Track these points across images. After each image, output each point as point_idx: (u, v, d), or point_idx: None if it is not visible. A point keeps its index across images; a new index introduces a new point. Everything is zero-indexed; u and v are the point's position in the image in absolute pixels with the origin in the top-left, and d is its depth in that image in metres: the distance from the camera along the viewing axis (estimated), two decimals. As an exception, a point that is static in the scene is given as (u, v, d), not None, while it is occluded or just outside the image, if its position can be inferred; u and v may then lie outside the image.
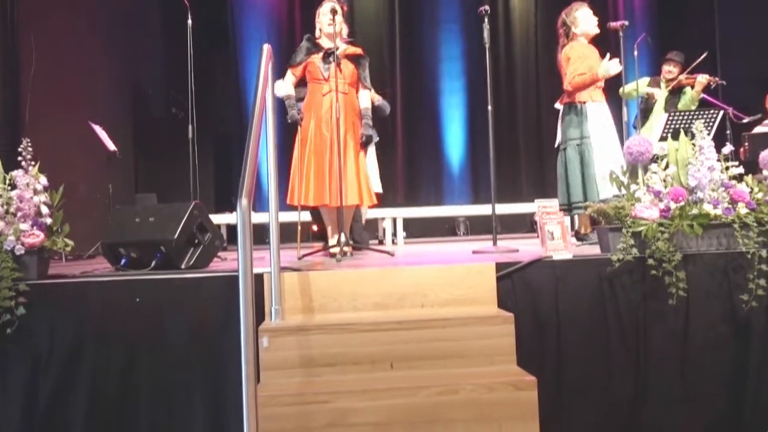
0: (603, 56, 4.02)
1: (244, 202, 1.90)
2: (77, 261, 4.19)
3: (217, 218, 6.04)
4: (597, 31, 4.15)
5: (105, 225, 3.34)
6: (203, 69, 6.49)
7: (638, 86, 4.79)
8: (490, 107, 3.77)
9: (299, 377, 2.36)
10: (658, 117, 4.98)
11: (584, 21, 4.13)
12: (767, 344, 2.72)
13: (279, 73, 4.69)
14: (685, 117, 4.36)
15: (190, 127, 4.27)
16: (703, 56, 4.16)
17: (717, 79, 5.09)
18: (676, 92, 5.17)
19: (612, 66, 3.92)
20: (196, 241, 2.99)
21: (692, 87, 5.10)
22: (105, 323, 2.58)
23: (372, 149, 4.68)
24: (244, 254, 1.89)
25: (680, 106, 5.10)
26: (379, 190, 4.67)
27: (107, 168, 5.05)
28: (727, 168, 2.86)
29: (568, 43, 4.18)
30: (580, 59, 4.05)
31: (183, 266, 2.92)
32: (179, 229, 2.90)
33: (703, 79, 5.01)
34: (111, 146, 4.98)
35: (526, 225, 7.36)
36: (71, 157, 5.09)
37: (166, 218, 3.01)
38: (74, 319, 2.57)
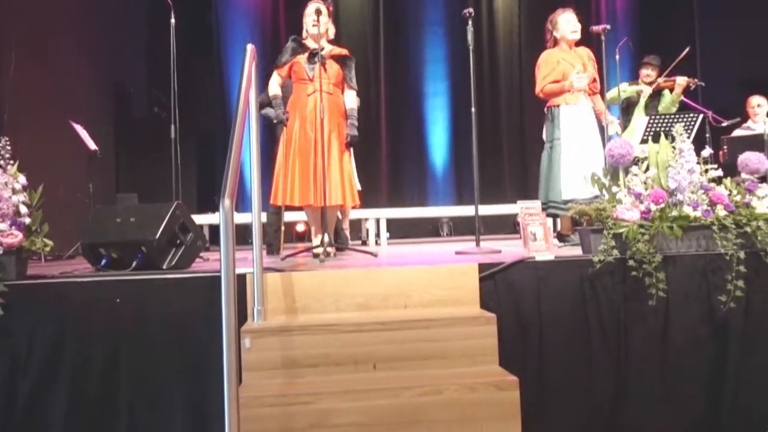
0: (595, 59, 4.10)
1: (226, 202, 1.89)
2: (57, 261, 4.14)
3: (199, 218, 6.00)
4: (573, 37, 4.17)
5: (85, 225, 3.30)
6: (186, 68, 6.45)
7: (619, 91, 4.85)
8: (473, 109, 3.79)
9: (281, 378, 2.35)
10: (639, 120, 5.03)
11: (563, 26, 4.18)
12: (745, 345, 2.76)
13: (263, 73, 4.69)
14: (666, 120, 4.41)
15: (172, 126, 4.24)
16: (684, 53, 4.19)
17: (696, 80, 5.15)
18: (655, 95, 5.22)
19: (576, 79, 3.99)
20: (178, 241, 2.96)
21: (671, 89, 5.16)
22: (85, 324, 2.55)
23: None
24: (227, 255, 1.87)
25: (660, 108, 5.16)
26: (359, 187, 4.70)
27: (88, 167, 5.00)
28: (706, 171, 2.90)
29: (547, 49, 4.25)
30: (550, 65, 4.14)
31: (164, 267, 2.90)
32: (161, 230, 2.88)
33: (682, 81, 5.07)
34: (92, 145, 4.93)
35: (509, 226, 7.41)
36: (51, 156, 5.03)
37: (147, 218, 2.99)
38: (53, 320, 2.54)
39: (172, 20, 4.28)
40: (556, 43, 4.24)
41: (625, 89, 4.93)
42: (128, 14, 7.20)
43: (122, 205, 4.04)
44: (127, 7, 7.18)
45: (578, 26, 4.17)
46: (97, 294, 2.59)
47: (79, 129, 4.91)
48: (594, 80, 4.22)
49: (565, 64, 4.12)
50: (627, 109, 5.23)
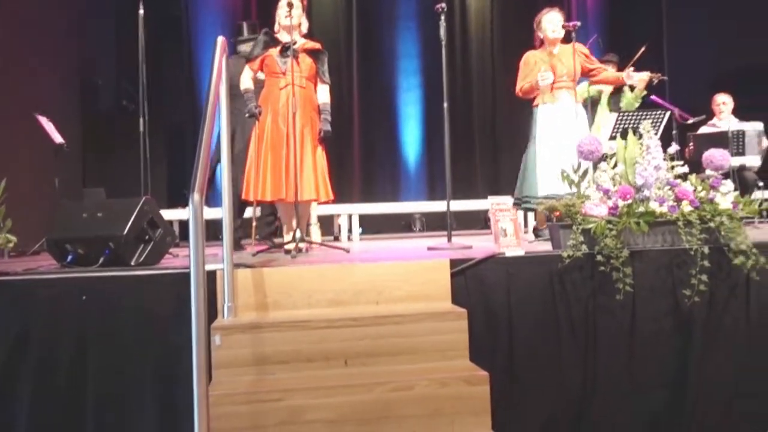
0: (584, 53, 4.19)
1: (196, 197, 1.86)
2: (21, 257, 4.04)
3: (169, 213, 5.91)
4: (554, 36, 4.22)
5: (50, 220, 3.23)
6: (156, 61, 6.34)
7: (587, 90, 4.91)
8: (445, 104, 3.79)
9: (252, 375, 2.34)
10: (602, 117, 5.11)
11: (545, 26, 4.25)
12: (709, 338, 2.83)
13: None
14: (634, 117, 4.48)
15: (141, 120, 4.17)
16: (640, 51, 4.27)
17: (659, 74, 5.22)
18: (616, 92, 5.29)
19: (540, 78, 4.06)
20: (147, 237, 2.92)
21: (632, 86, 5.23)
22: (50, 322, 2.50)
23: None
24: (196, 250, 1.85)
25: (623, 105, 5.23)
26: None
27: (54, 161, 4.88)
28: (672, 167, 2.96)
29: (534, 48, 4.35)
30: (528, 67, 4.24)
31: (133, 263, 2.85)
32: (129, 225, 2.84)
33: (644, 76, 5.14)
34: (58, 139, 4.82)
35: (481, 221, 7.46)
36: (15, 150, 4.91)
37: (115, 213, 2.94)
38: (17, 318, 2.48)
39: (141, 11, 4.20)
40: (542, 43, 4.32)
41: (584, 90, 4.98)
42: (96, 4, 7.04)
43: (89, 200, 3.97)
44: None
45: (559, 26, 4.21)
46: (63, 291, 2.53)
47: (45, 122, 4.79)
48: (588, 72, 4.30)
49: (543, 65, 4.19)
50: (591, 106, 5.30)
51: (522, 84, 4.25)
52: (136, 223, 2.88)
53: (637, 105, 5.21)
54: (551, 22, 4.21)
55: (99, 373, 2.50)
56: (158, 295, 2.57)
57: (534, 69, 4.19)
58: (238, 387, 2.25)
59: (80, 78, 6.78)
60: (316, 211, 4.57)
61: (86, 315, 2.51)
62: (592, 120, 5.22)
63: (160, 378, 2.53)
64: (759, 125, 5.55)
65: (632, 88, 5.21)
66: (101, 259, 2.81)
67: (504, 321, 2.73)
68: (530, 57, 4.29)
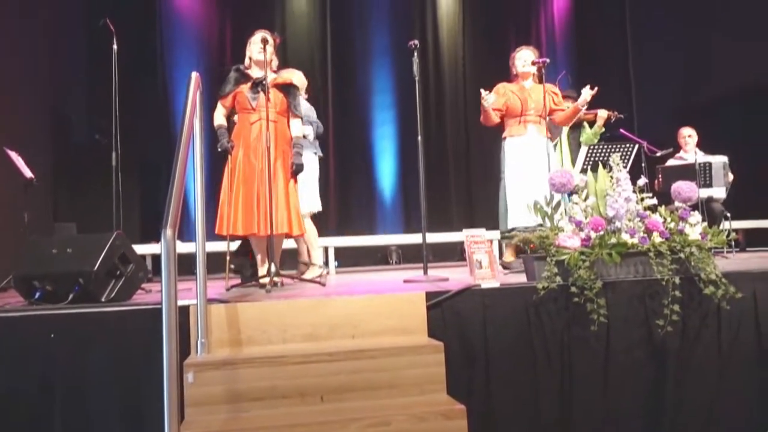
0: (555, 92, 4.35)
1: (168, 232, 1.84)
2: (-13, 294, 3.94)
3: (142, 248, 5.84)
4: (524, 70, 4.36)
5: (18, 256, 3.15)
6: (130, 95, 6.29)
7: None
8: (419, 138, 3.85)
9: (225, 413, 2.28)
10: (564, 151, 5.23)
11: (516, 62, 4.44)
12: (682, 367, 2.85)
13: (208, 101, 4.63)
14: (604, 150, 4.59)
15: (113, 154, 4.13)
16: (594, 91, 4.45)
17: (616, 112, 5.39)
18: (575, 127, 5.43)
19: (484, 99, 4.18)
20: (118, 272, 2.87)
21: (592, 122, 5.37)
22: (16, 361, 2.42)
23: (316, 167, 4.68)
24: (168, 286, 1.82)
25: (582, 140, 5.36)
26: (319, 208, 4.72)
27: (23, 196, 4.79)
28: (642, 199, 3.02)
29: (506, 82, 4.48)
30: (497, 95, 4.35)
31: (103, 299, 2.80)
32: (99, 260, 2.79)
33: (603, 113, 5.32)
34: (27, 173, 4.74)
35: (457, 253, 7.49)
36: (-17, 184, 4.82)
37: (85, 249, 2.89)
38: (-19, 357, 2.40)
39: (114, 46, 4.21)
40: (515, 77, 4.46)
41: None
42: (70, 39, 7.03)
43: (59, 236, 3.90)
44: (69, 32, 7.02)
45: (530, 60, 4.35)
46: (30, 329, 2.47)
47: (14, 156, 4.72)
48: (553, 111, 4.39)
49: (512, 96, 4.32)
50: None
51: (483, 116, 4.34)
52: (107, 258, 2.83)
53: (596, 141, 5.34)
54: (521, 58, 4.42)
55: (66, 413, 2.42)
56: (129, 332, 2.51)
57: (500, 98, 4.33)
58: (212, 425, 2.19)
59: (52, 111, 6.72)
60: (318, 251, 4.59)
61: (54, 353, 2.44)
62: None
63: (130, 418, 2.46)
64: (723, 158, 5.72)
65: (591, 124, 5.36)
66: (70, 296, 2.75)
67: (480, 353, 2.72)
68: (500, 87, 4.43)
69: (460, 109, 8.72)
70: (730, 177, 5.80)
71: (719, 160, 5.56)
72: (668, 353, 2.84)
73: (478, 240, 3.01)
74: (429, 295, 2.71)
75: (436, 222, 7.56)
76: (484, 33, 8.82)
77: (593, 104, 5.19)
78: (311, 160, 4.66)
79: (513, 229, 4.00)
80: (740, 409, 2.90)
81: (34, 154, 5.38)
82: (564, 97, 5.52)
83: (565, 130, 5.39)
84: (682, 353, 2.85)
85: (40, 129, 6.41)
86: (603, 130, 5.38)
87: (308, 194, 4.59)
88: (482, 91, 4.20)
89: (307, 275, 4.38)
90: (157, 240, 6.58)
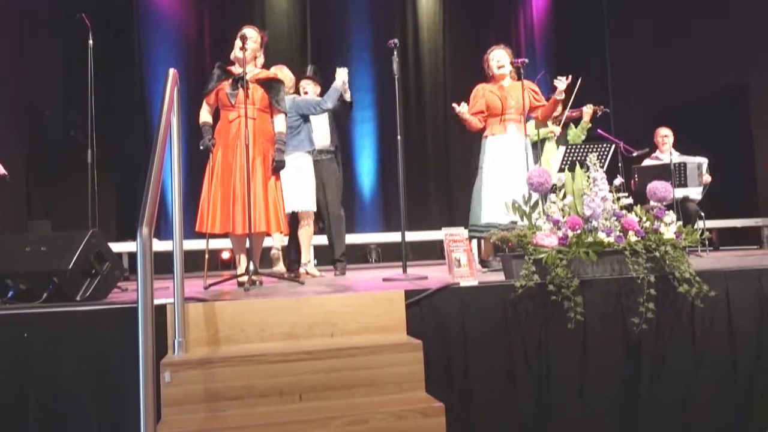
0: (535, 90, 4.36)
1: (144, 230, 1.83)
2: (-42, 294, 3.85)
3: (119, 246, 5.77)
4: (500, 72, 4.36)
5: (-10, 254, 3.09)
6: (107, 91, 6.22)
7: (538, 133, 5.05)
8: (399, 137, 3.85)
9: (203, 413, 2.27)
10: (551, 152, 5.27)
11: (491, 63, 4.43)
12: (657, 364, 2.90)
13: (186, 98, 4.58)
14: (581, 150, 4.63)
15: (89, 151, 4.08)
16: (578, 84, 4.49)
17: (602, 107, 5.44)
18: (563, 127, 5.48)
19: (458, 111, 4.28)
20: (93, 271, 2.83)
21: (577, 120, 5.42)
22: (-12, 361, 2.38)
23: (310, 166, 4.65)
24: (144, 285, 1.80)
25: (570, 137, 5.41)
26: (314, 208, 4.74)
27: (-5, 193, 4.72)
28: (618, 198, 3.06)
29: (484, 82, 4.49)
30: (475, 99, 4.40)
31: (78, 298, 2.76)
32: (74, 259, 2.74)
33: (588, 109, 5.36)
34: (0, 170, 4.66)
35: (437, 251, 7.52)
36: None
37: (60, 247, 2.84)
38: (-48, 357, 2.36)
39: (90, 41, 4.15)
40: (492, 78, 4.45)
41: (534, 134, 5.11)
42: (45, 33, 6.91)
43: (33, 234, 3.83)
44: (45, 27, 6.90)
45: (505, 61, 4.36)
46: (3, 328, 2.42)
47: (-13, 153, 4.63)
48: (534, 108, 4.42)
49: (491, 96, 4.34)
50: (540, 144, 5.46)
51: (467, 121, 4.36)
52: (82, 256, 2.79)
53: (583, 137, 5.39)
54: (494, 59, 4.40)
55: (41, 414, 2.38)
56: (105, 331, 2.48)
57: (480, 100, 4.34)
58: (189, 425, 2.17)
59: (27, 107, 6.60)
60: (310, 249, 4.61)
61: (28, 353, 2.40)
62: (539, 156, 5.37)
63: (106, 418, 2.42)
64: (704, 160, 5.83)
65: (577, 123, 5.41)
66: (44, 295, 2.70)
67: (459, 351, 2.73)
68: (479, 89, 4.43)
69: (440, 108, 8.74)
70: (708, 178, 5.91)
71: (699, 162, 5.67)
72: (643, 350, 2.88)
73: (457, 239, 3.02)
74: (408, 294, 2.72)
75: (416, 220, 7.59)
76: (465, 32, 8.86)
77: (578, 103, 5.25)
78: (304, 159, 4.64)
79: (488, 225, 4.02)
80: (713, 406, 2.95)
81: (8, 150, 5.30)
82: (549, 98, 5.58)
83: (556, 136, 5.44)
84: (657, 350, 2.90)
85: (14, 124, 6.29)
86: (590, 125, 5.42)
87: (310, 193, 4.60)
88: (454, 105, 4.27)
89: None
90: (134, 238, 6.50)
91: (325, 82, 8.52)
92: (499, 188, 4.10)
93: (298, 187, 4.56)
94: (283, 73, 4.64)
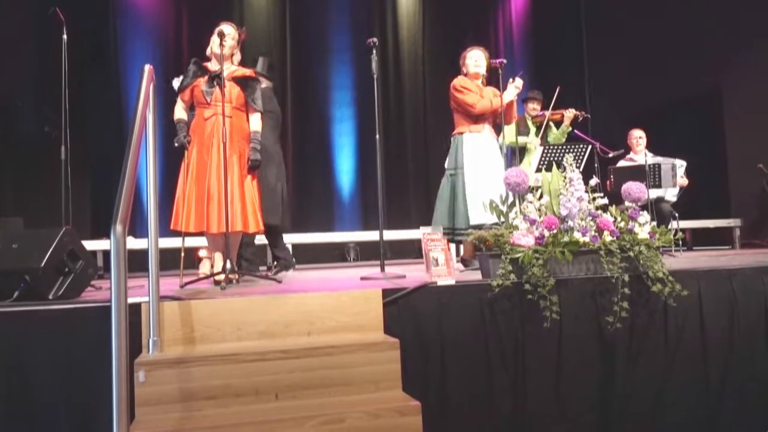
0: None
1: (118, 228, 1.80)
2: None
3: (93, 244, 5.69)
4: (475, 71, 4.38)
5: (-40, 252, 3.02)
6: (82, 86, 6.14)
7: (515, 138, 5.06)
8: (378, 136, 3.85)
9: (178, 412, 2.25)
10: (533, 152, 5.31)
11: (468, 62, 4.44)
12: (630, 362, 2.94)
13: (163, 95, 4.54)
14: (558, 150, 4.68)
15: (63, 147, 4.01)
16: (557, 92, 4.58)
17: (583, 112, 5.51)
18: (543, 128, 5.53)
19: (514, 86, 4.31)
20: (66, 269, 2.79)
21: (559, 122, 5.48)
22: (-44, 361, 2.33)
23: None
24: (118, 283, 1.78)
25: (551, 139, 5.46)
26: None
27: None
28: (594, 199, 3.09)
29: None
30: (467, 86, 4.36)
31: (51, 297, 2.71)
32: (47, 257, 2.70)
33: (570, 113, 5.42)
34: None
35: (416, 251, 7.54)
36: None
37: (32, 245, 2.79)
38: None
39: (65, 36, 4.09)
40: (466, 76, 4.47)
41: (512, 140, 5.13)
42: (17, 26, 6.77)
43: (4, 231, 3.75)
44: (18, 20, 6.76)
45: (482, 62, 4.37)
46: (-29, 328, 2.37)
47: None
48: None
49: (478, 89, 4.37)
50: (519, 152, 5.50)
51: (481, 102, 4.27)
52: (55, 254, 2.75)
53: (563, 139, 5.45)
54: (471, 58, 4.42)
55: (9, 415, 2.34)
56: (78, 331, 2.44)
57: (471, 86, 4.33)
58: (162, 425, 2.15)
59: (-2, 101, 6.47)
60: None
61: (-3, 353, 2.36)
62: (522, 156, 5.41)
63: (77, 419, 2.39)
64: (683, 162, 5.93)
65: (558, 125, 5.46)
66: (16, 293, 2.65)
67: (436, 350, 2.74)
68: (466, 80, 4.38)
69: (420, 107, 8.76)
70: (685, 181, 6.01)
71: (674, 163, 5.76)
72: (617, 348, 2.92)
73: (435, 238, 3.03)
74: (386, 293, 2.72)
75: (395, 219, 7.60)
76: (444, 32, 8.88)
77: (546, 105, 5.30)
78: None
79: (480, 226, 4.00)
80: (686, 402, 3.00)
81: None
82: (529, 99, 5.63)
83: (532, 131, 5.47)
84: (631, 348, 2.94)
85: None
86: (570, 128, 5.48)
87: None
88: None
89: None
90: (108, 236, 6.41)
91: (302, 80, 8.46)
92: (482, 188, 4.08)
93: None
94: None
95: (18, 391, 2.36)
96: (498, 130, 4.47)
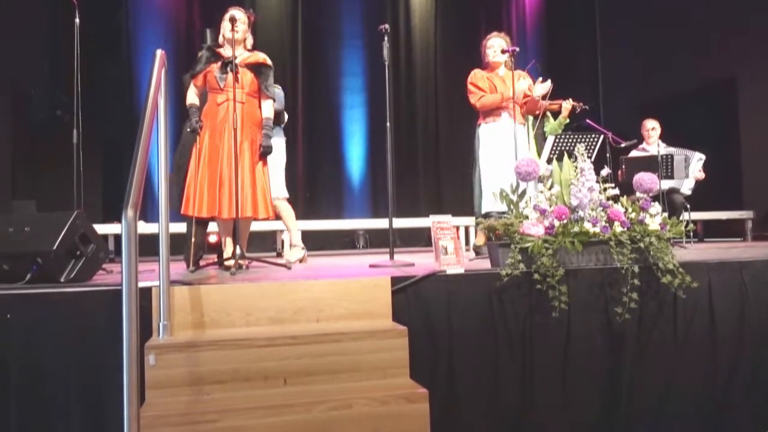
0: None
1: (129, 213, 1.81)
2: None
3: (105, 228, 5.73)
4: (495, 59, 4.38)
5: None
6: (94, 71, 6.12)
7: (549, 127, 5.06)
8: (388, 124, 3.84)
9: (187, 396, 2.27)
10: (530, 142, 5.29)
11: (488, 51, 4.45)
12: (638, 354, 2.93)
13: (174, 80, 4.54)
14: (570, 139, 4.65)
15: (75, 131, 4.03)
16: (549, 86, 4.60)
17: (581, 103, 5.44)
18: (540, 117, 5.48)
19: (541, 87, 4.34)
20: (78, 252, 2.81)
21: (555, 112, 5.43)
22: (-30, 342, 2.36)
23: (283, 153, 4.63)
24: (129, 267, 1.79)
25: (547, 130, 5.41)
26: (286, 194, 4.66)
27: (-21, 172, 4.66)
28: (605, 189, 3.07)
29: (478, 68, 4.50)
30: (483, 82, 4.39)
31: (62, 279, 2.74)
32: (59, 240, 2.72)
33: (567, 104, 5.35)
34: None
35: (425, 238, 7.54)
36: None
37: (44, 228, 2.82)
38: (-67, 337, 2.34)
39: (77, 20, 4.09)
40: (487, 65, 4.48)
41: (553, 128, 5.15)
42: (30, 10, 6.79)
43: (17, 214, 3.79)
44: (29, 5, 6.77)
45: (500, 49, 4.36)
46: (-16, 309, 2.40)
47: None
48: (526, 97, 4.44)
49: (488, 84, 4.38)
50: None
51: (483, 98, 4.32)
52: (67, 237, 2.77)
53: (560, 131, 5.39)
54: (491, 47, 4.43)
55: (23, 396, 2.38)
56: (89, 313, 2.47)
57: (483, 82, 4.35)
58: (173, 408, 2.17)
59: (11, 84, 6.50)
60: (297, 233, 4.57)
61: (10, 335, 2.39)
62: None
63: (89, 400, 2.42)
64: (702, 156, 5.89)
65: (555, 115, 5.41)
66: (28, 276, 2.68)
67: (444, 338, 2.75)
68: (478, 73, 4.43)
69: (431, 94, 8.72)
70: (702, 175, 5.97)
71: (687, 154, 5.72)
72: (626, 340, 2.91)
73: (444, 226, 3.03)
74: (394, 280, 2.72)
75: (404, 207, 7.59)
76: (456, 19, 8.82)
77: (558, 94, 5.26)
78: (279, 145, 4.61)
79: (487, 214, 4.03)
80: (694, 395, 2.99)
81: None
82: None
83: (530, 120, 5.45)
84: (639, 340, 2.93)
85: (-2, 103, 6.21)
86: (567, 121, 5.43)
87: (276, 179, 4.55)
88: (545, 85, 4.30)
89: (291, 256, 4.40)
90: (120, 220, 6.45)
91: (314, 67, 8.45)
92: (496, 176, 4.11)
93: (275, 173, 4.54)
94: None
95: (29, 373, 2.39)
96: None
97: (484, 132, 4.36)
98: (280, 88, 4.36)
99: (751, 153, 7.58)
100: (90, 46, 4.50)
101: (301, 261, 4.49)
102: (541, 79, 4.43)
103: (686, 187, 5.95)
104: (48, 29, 6.98)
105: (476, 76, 4.43)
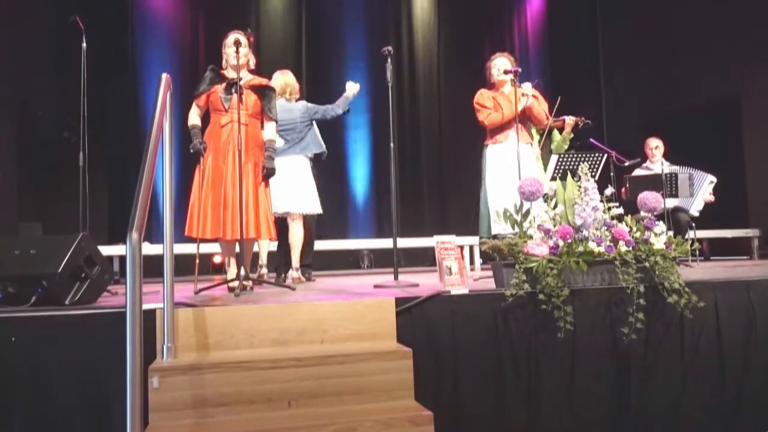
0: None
1: (134, 236, 1.82)
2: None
3: (110, 250, 5.74)
4: (499, 78, 4.42)
5: (-21, 257, 3.07)
6: (101, 94, 6.22)
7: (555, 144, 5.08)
8: (392, 144, 3.86)
9: (191, 419, 2.26)
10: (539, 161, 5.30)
11: (493, 70, 4.49)
12: (645, 374, 2.90)
13: (179, 102, 4.57)
14: (573, 159, 4.65)
15: (81, 153, 4.07)
16: (557, 102, 4.62)
17: (583, 118, 5.46)
18: (546, 135, 5.50)
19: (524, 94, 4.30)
20: (83, 275, 2.82)
21: (561, 129, 5.45)
22: (-26, 365, 2.36)
23: (308, 170, 4.69)
24: (133, 290, 1.79)
25: (553, 147, 5.43)
26: (319, 210, 4.77)
27: (-14, 194, 4.70)
28: (609, 208, 3.07)
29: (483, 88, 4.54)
30: (490, 101, 4.42)
31: (67, 302, 2.75)
32: (64, 263, 2.74)
33: (570, 120, 5.38)
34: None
35: (429, 258, 7.53)
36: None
37: (49, 250, 2.83)
38: (-63, 361, 2.34)
39: (84, 44, 4.15)
40: (492, 85, 4.52)
41: (559, 144, 5.17)
42: (38, 34, 6.89)
43: (22, 237, 3.81)
44: (37, 27, 6.88)
45: (507, 68, 4.39)
46: (-10, 332, 2.40)
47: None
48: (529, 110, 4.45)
49: (494, 103, 4.41)
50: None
51: (491, 116, 4.35)
52: (72, 260, 2.78)
53: (566, 147, 5.41)
54: (496, 66, 4.47)
55: (27, 419, 2.37)
56: (93, 336, 2.46)
57: (489, 101, 4.38)
58: (177, 431, 2.16)
59: (19, 107, 6.57)
60: (297, 255, 4.59)
61: (14, 358, 2.39)
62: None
63: (92, 423, 2.41)
64: (713, 178, 5.89)
65: (560, 130, 5.44)
66: (33, 298, 2.69)
67: (449, 359, 2.73)
68: (485, 94, 4.47)
69: (434, 114, 8.76)
70: (711, 198, 5.96)
71: (708, 180, 5.74)
72: (632, 360, 2.89)
73: (448, 246, 3.03)
74: (399, 301, 2.72)
75: (409, 227, 7.59)
76: (459, 40, 8.89)
77: (562, 113, 5.28)
78: (304, 163, 4.67)
79: (496, 236, 4.03)
80: (701, 416, 2.96)
81: (0, 150, 5.27)
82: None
83: (535, 140, 5.47)
84: (646, 360, 2.91)
85: (5, 124, 6.27)
86: (572, 135, 5.45)
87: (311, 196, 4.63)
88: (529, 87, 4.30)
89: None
90: (125, 242, 6.46)
91: (318, 87, 8.53)
92: (501, 198, 4.10)
93: (298, 189, 4.57)
94: (285, 78, 4.70)
95: (34, 395, 2.38)
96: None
97: (490, 153, 4.38)
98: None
99: (757, 170, 7.57)
100: (97, 69, 4.56)
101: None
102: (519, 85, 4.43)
103: (695, 208, 5.94)
104: (55, 53, 7.07)
105: (482, 95, 4.47)
